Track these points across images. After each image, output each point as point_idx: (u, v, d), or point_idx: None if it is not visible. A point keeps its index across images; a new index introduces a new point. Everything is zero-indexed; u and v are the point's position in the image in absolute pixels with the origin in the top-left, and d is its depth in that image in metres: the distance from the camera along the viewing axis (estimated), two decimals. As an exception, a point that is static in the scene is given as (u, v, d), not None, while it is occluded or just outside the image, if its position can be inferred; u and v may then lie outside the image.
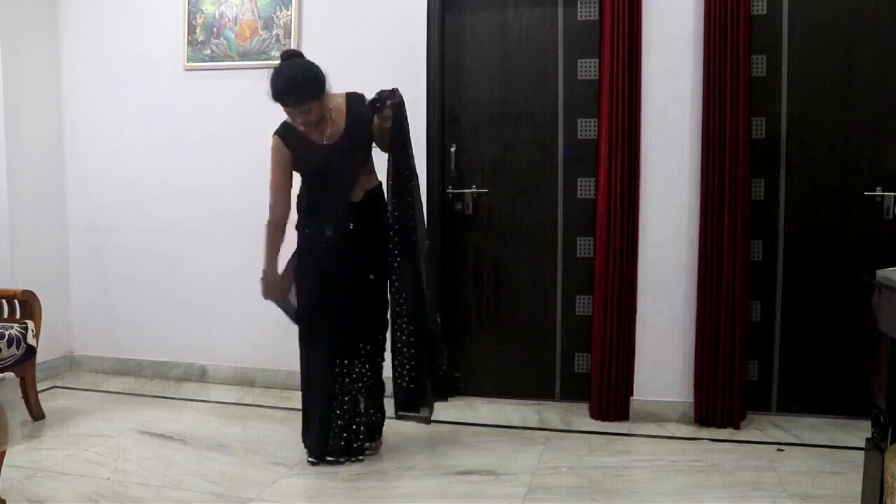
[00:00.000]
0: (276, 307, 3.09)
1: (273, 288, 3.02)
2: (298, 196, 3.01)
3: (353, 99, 2.93)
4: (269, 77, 2.81)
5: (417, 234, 2.94)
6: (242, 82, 3.91)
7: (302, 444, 3.03)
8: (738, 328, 3.29)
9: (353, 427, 2.96)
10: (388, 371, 3.06)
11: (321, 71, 2.83)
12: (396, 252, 2.94)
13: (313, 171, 2.94)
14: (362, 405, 2.97)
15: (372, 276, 2.97)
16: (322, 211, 2.93)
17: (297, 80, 2.78)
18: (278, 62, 2.89)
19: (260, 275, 3.02)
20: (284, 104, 2.80)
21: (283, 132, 2.91)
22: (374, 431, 3.06)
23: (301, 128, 2.88)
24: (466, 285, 3.79)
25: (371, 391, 3.00)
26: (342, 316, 2.92)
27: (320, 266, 2.93)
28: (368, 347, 2.99)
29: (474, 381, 3.80)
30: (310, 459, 2.95)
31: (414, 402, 3.02)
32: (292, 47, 3.78)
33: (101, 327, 4.27)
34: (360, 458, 2.97)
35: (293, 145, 2.90)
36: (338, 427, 2.93)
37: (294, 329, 3.08)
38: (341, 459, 2.93)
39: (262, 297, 3.04)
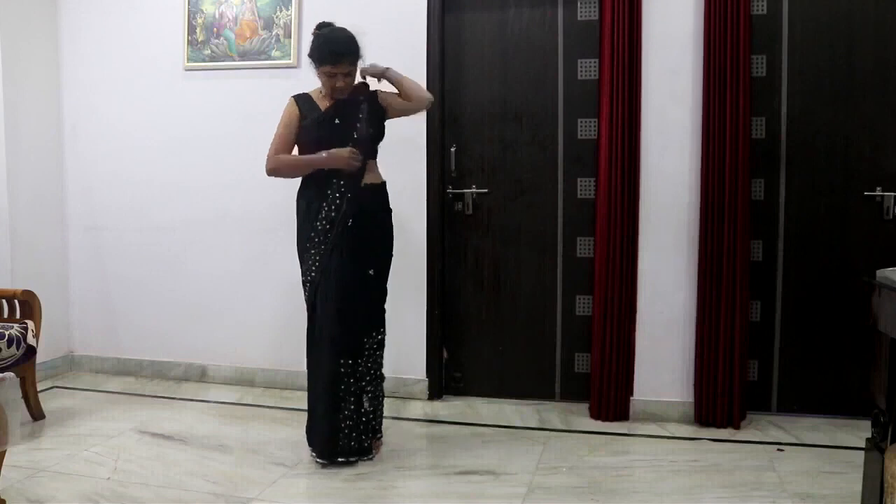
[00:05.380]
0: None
1: (339, 155, 2.89)
2: (298, 193, 3.01)
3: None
4: (320, 40, 2.92)
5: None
6: (242, 82, 3.92)
7: (306, 444, 3.02)
8: (738, 328, 3.29)
9: (362, 426, 2.95)
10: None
11: None
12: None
13: (313, 134, 2.94)
14: (366, 403, 2.96)
15: (371, 272, 2.97)
16: (321, 193, 2.92)
17: (352, 41, 2.90)
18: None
19: (324, 161, 2.90)
20: (338, 61, 2.86)
21: (299, 96, 3.02)
22: (374, 429, 3.06)
23: (333, 93, 2.93)
24: (466, 285, 3.79)
25: (375, 387, 3.01)
26: (345, 315, 2.91)
27: (321, 264, 2.92)
28: (371, 342, 3.00)
29: (474, 381, 3.81)
30: (319, 461, 2.94)
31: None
32: (292, 47, 3.79)
33: (101, 327, 4.27)
34: (370, 456, 2.96)
35: (304, 108, 2.97)
36: (347, 427, 2.92)
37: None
38: (352, 459, 2.92)
39: (350, 165, 2.89)
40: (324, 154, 2.89)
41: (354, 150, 2.89)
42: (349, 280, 2.91)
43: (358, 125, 2.93)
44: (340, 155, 2.88)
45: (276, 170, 2.97)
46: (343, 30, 2.94)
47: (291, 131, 2.97)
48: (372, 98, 3.00)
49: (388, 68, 2.97)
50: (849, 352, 3.35)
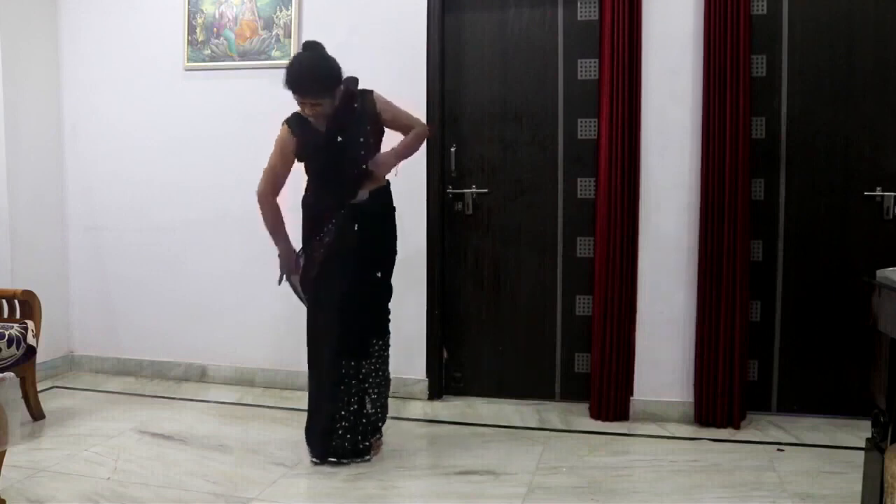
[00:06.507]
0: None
1: (286, 257, 2.98)
2: (303, 199, 3.00)
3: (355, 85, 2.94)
4: (287, 65, 2.85)
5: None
6: (242, 82, 3.92)
7: (305, 444, 3.02)
8: (738, 328, 3.29)
9: (360, 428, 2.95)
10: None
11: (338, 65, 2.84)
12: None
13: (313, 156, 2.92)
14: (369, 405, 2.96)
15: (379, 274, 2.97)
16: (325, 209, 2.91)
17: (314, 73, 2.80)
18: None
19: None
20: (299, 94, 2.80)
21: (292, 119, 2.94)
22: (376, 429, 3.06)
23: (311, 119, 2.89)
24: (466, 285, 3.79)
25: (379, 388, 3.01)
26: (349, 318, 2.90)
27: (326, 268, 2.92)
28: (381, 343, 3.00)
29: (474, 381, 3.81)
30: (313, 460, 2.95)
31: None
32: (292, 47, 3.79)
33: (101, 327, 4.27)
34: (367, 458, 2.96)
35: (299, 132, 2.90)
36: (342, 428, 2.92)
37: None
38: (344, 461, 2.92)
39: (280, 271, 3.00)
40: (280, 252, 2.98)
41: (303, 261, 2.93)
42: (354, 282, 2.90)
43: (361, 139, 2.88)
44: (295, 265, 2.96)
45: (259, 210, 2.98)
46: (315, 59, 2.82)
47: (286, 161, 2.92)
48: (368, 102, 2.91)
49: (381, 163, 2.92)
50: (849, 352, 3.35)
